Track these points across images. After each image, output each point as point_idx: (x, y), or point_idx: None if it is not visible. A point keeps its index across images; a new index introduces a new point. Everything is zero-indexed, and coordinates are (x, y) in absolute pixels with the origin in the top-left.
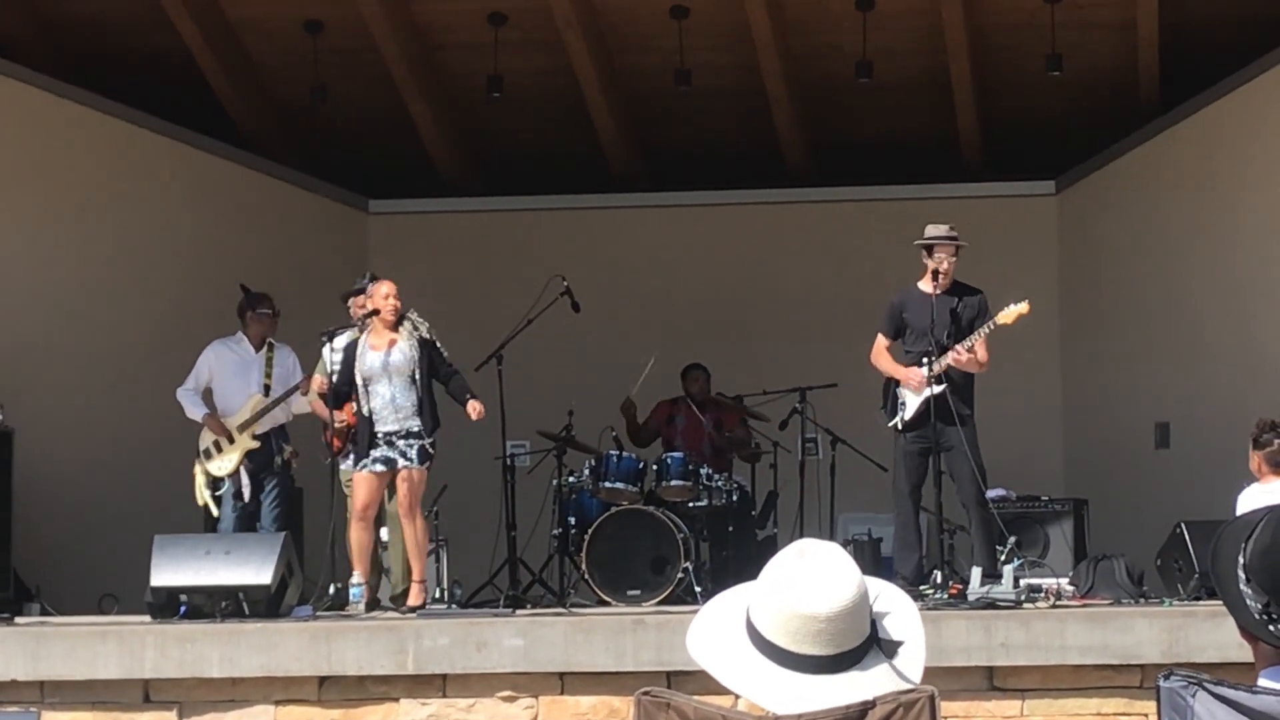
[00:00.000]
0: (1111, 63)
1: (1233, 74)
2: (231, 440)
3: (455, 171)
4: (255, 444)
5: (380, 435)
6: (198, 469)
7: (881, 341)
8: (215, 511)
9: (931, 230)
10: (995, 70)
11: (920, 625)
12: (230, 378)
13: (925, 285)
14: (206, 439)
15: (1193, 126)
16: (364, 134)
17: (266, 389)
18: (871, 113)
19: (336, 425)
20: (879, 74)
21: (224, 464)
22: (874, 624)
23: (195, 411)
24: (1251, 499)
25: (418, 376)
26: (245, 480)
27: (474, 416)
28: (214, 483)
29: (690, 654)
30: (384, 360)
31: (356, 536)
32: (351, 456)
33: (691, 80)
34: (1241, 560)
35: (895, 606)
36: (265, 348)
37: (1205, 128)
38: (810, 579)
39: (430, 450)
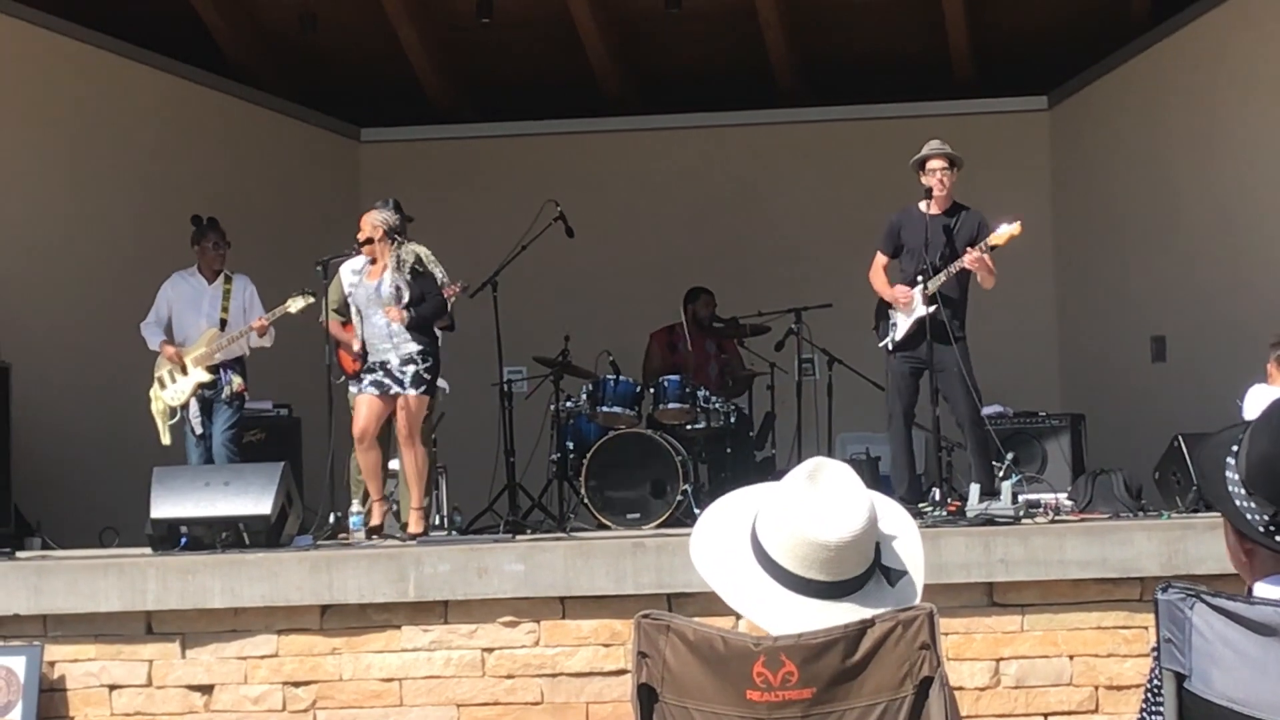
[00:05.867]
0: None
1: None
2: (185, 371)
3: (446, 98)
4: (208, 377)
5: (375, 362)
6: (153, 395)
7: (879, 259)
8: (166, 440)
9: (925, 150)
10: None
11: (921, 547)
12: (186, 310)
13: (924, 205)
14: (162, 367)
15: (1184, 39)
16: (354, 63)
17: (223, 323)
18: (863, 31)
19: (355, 347)
20: None
21: (176, 394)
22: (878, 549)
23: (153, 342)
24: (1259, 396)
25: (408, 305)
26: (195, 410)
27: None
28: (170, 412)
29: (693, 560)
30: (375, 290)
31: (362, 460)
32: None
33: (681, 1)
34: (1238, 476)
35: (899, 529)
36: (222, 279)
37: (1196, 41)
38: (822, 504)
39: (426, 376)
